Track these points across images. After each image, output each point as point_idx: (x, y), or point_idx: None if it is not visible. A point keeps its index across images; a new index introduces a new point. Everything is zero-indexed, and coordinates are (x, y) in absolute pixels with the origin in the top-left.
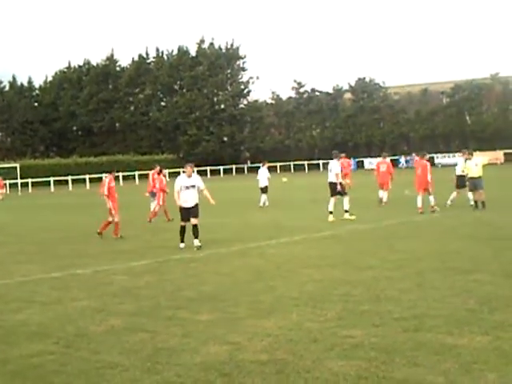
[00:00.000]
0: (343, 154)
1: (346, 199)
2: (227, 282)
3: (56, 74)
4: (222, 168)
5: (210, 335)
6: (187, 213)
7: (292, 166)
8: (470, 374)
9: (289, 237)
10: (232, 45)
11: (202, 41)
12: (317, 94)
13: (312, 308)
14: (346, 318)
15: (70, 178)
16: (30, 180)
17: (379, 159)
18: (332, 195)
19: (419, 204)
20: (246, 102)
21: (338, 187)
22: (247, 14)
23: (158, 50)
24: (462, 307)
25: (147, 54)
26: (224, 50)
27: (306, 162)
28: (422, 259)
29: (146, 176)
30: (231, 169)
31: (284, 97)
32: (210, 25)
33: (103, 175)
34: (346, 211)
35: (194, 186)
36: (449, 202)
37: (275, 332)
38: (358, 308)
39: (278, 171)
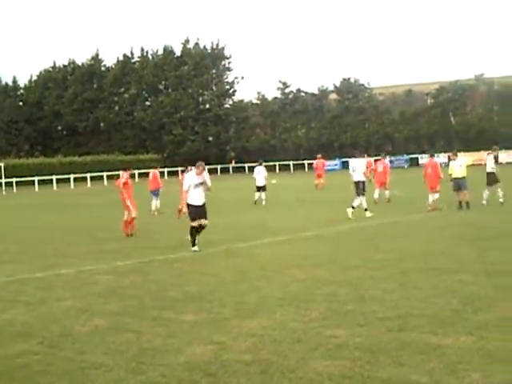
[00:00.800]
0: (319, 155)
1: (363, 198)
2: (212, 283)
3: (41, 73)
4: (206, 168)
5: (194, 335)
6: (199, 211)
7: (277, 166)
8: (455, 373)
9: (274, 237)
10: (217, 45)
11: (187, 41)
12: (302, 94)
13: (296, 308)
14: (331, 318)
15: (54, 177)
16: (14, 179)
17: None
18: (358, 194)
19: (430, 201)
20: (231, 102)
21: (361, 186)
22: (233, 14)
23: (142, 49)
24: (446, 307)
25: (132, 54)
26: (209, 50)
27: (291, 162)
28: (406, 259)
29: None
30: (216, 169)
31: (269, 97)
32: (196, 25)
33: (120, 172)
34: (366, 209)
35: (202, 184)
36: (484, 202)
37: (260, 332)
38: (343, 308)
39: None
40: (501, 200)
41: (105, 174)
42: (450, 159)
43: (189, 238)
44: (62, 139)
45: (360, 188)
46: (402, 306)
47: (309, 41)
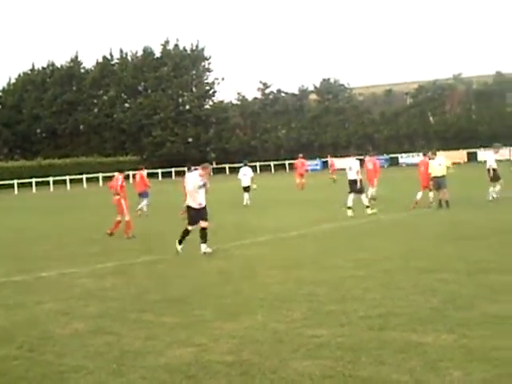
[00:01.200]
0: (300, 155)
1: (363, 196)
2: (193, 284)
3: (19, 76)
4: (187, 169)
5: (175, 337)
6: (197, 215)
7: (258, 167)
8: (436, 371)
9: (255, 238)
10: (197, 46)
11: (167, 42)
12: (282, 94)
13: (277, 309)
14: (312, 318)
15: (34, 180)
16: None
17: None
18: (351, 192)
19: (418, 197)
20: (211, 103)
21: (358, 184)
22: (212, 15)
23: (122, 51)
24: (427, 305)
25: (111, 56)
26: (189, 51)
27: (272, 163)
28: (387, 258)
29: (111, 178)
30: (196, 170)
31: (249, 98)
32: (175, 26)
33: (115, 173)
34: (367, 207)
35: (204, 185)
36: (494, 196)
37: (241, 333)
38: (324, 308)
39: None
40: (494, 196)
41: (84, 176)
42: (429, 158)
43: (205, 250)
44: (42, 142)
45: (356, 186)
46: (383, 304)
47: (289, 41)
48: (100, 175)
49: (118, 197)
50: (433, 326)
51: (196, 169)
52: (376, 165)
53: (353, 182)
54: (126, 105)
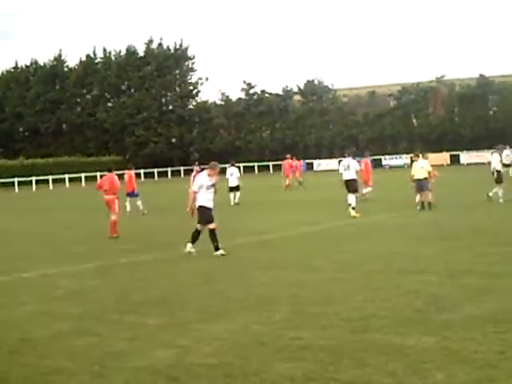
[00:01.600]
0: (288, 155)
1: (353, 196)
2: (175, 286)
3: (2, 73)
4: (170, 170)
5: (157, 339)
6: (210, 214)
7: (242, 168)
8: (418, 373)
9: (237, 239)
10: (181, 45)
11: (151, 41)
12: (266, 95)
13: (259, 311)
14: (294, 320)
15: (16, 179)
16: None
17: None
18: (350, 191)
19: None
20: (194, 103)
21: (356, 184)
22: (196, 15)
23: (105, 50)
24: (409, 307)
25: (95, 54)
26: (172, 51)
27: (256, 164)
28: (369, 260)
29: (94, 178)
30: (179, 170)
31: (234, 98)
32: (159, 25)
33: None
34: (353, 208)
35: (214, 186)
36: (501, 200)
37: (223, 335)
38: (306, 310)
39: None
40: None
41: (67, 176)
42: (412, 160)
43: (219, 252)
44: (24, 141)
45: (354, 185)
46: (365, 307)
47: (273, 42)
48: (82, 175)
49: (113, 196)
50: (415, 328)
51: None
52: (368, 165)
53: (351, 182)
54: (109, 104)
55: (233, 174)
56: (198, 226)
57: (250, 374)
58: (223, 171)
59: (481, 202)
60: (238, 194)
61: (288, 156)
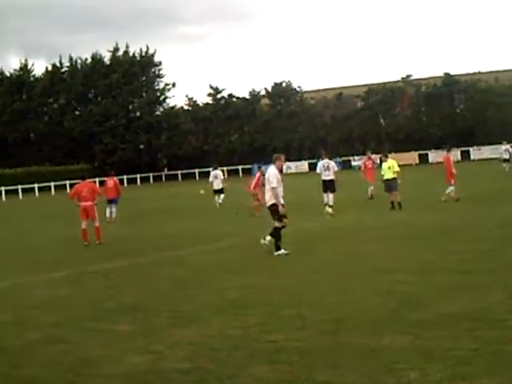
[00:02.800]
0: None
1: (332, 196)
2: (147, 292)
3: None
4: (138, 176)
5: (131, 345)
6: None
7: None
8: (392, 373)
9: (208, 244)
10: (147, 52)
11: (117, 48)
12: (234, 99)
13: (233, 315)
14: (268, 323)
15: None
16: None
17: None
18: (329, 191)
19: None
20: (162, 109)
21: (334, 184)
22: (161, 19)
23: (71, 58)
24: (383, 307)
25: (61, 63)
26: (139, 58)
27: (225, 168)
28: (342, 261)
29: (63, 187)
30: (148, 177)
31: (201, 103)
32: (125, 32)
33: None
34: (331, 206)
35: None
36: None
37: (197, 340)
38: (280, 312)
39: (197, 178)
40: None
41: (36, 185)
42: (381, 161)
43: (265, 242)
44: None
45: (331, 186)
46: (339, 308)
47: (239, 45)
48: (52, 184)
49: (92, 203)
50: (389, 328)
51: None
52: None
53: (329, 182)
54: (77, 112)
55: (217, 177)
56: (277, 223)
57: (224, 378)
58: (184, 177)
59: (450, 200)
60: (221, 196)
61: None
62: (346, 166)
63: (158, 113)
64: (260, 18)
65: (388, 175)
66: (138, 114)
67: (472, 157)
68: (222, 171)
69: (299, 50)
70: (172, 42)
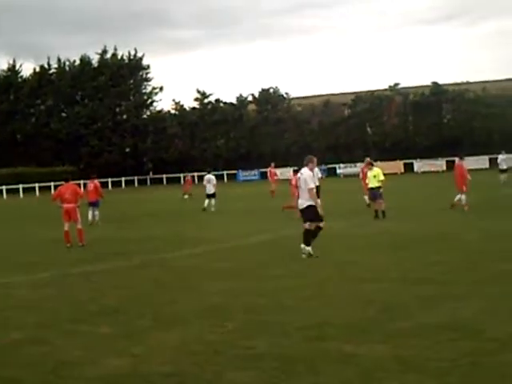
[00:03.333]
0: (272, 164)
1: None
2: (129, 295)
3: None
4: (123, 179)
5: (112, 348)
6: (318, 212)
7: (197, 177)
8: (371, 382)
9: (191, 248)
10: (135, 55)
11: (105, 51)
12: (221, 104)
13: (214, 319)
14: (249, 329)
15: None
16: None
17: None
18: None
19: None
20: (148, 113)
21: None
22: (148, 23)
23: (59, 60)
24: (363, 315)
25: (49, 65)
26: (127, 61)
27: (225, 172)
28: (323, 268)
29: (48, 188)
30: (133, 180)
31: (188, 107)
32: (114, 34)
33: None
34: None
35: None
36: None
37: (177, 344)
38: (261, 318)
39: (182, 182)
40: None
41: (21, 186)
42: (368, 169)
43: (307, 248)
44: None
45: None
46: (319, 315)
47: (227, 50)
48: (37, 185)
49: (74, 205)
50: (368, 336)
51: (209, 172)
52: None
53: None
54: (64, 114)
55: (210, 182)
56: (312, 225)
57: (204, 382)
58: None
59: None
60: (213, 201)
61: (272, 164)
62: (331, 173)
63: (144, 116)
64: (249, 23)
65: (373, 184)
66: (124, 116)
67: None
68: (215, 176)
69: (287, 57)
70: (160, 45)
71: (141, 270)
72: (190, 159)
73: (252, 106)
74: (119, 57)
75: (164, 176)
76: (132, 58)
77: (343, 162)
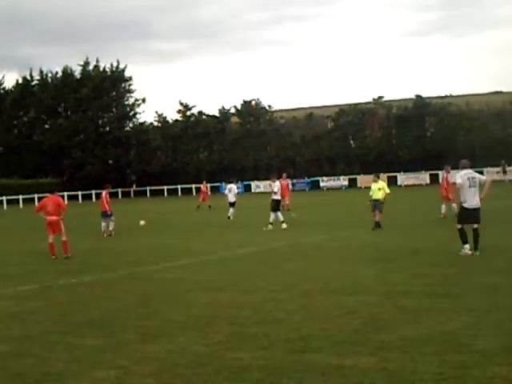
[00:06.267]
0: (284, 174)
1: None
2: (114, 307)
3: None
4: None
5: (97, 360)
6: (470, 215)
7: (179, 190)
8: None
9: (176, 261)
10: (117, 67)
11: (87, 63)
12: (204, 117)
13: (199, 331)
14: (234, 341)
15: None
16: None
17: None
18: (275, 210)
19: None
20: (131, 125)
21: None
22: (132, 35)
23: (42, 72)
24: (348, 328)
25: (31, 77)
26: (109, 72)
27: (193, 186)
28: (308, 281)
29: (31, 200)
30: (117, 192)
31: (171, 119)
32: (95, 47)
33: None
34: (283, 221)
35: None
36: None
37: (162, 356)
38: (246, 330)
39: (166, 195)
40: None
41: (4, 198)
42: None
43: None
44: None
45: (277, 205)
46: (304, 327)
47: (210, 63)
48: (20, 197)
49: (57, 217)
50: (354, 349)
51: (231, 181)
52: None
53: (278, 201)
54: (46, 126)
55: (231, 191)
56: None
57: None
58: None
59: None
60: (231, 210)
61: (284, 175)
62: (314, 186)
63: (127, 128)
64: (232, 36)
65: (377, 195)
66: (107, 128)
67: (440, 180)
68: (168, 191)
69: (271, 69)
70: (144, 56)
71: (126, 282)
72: (173, 172)
73: (235, 119)
74: (101, 68)
75: (148, 188)
76: (114, 69)
77: (326, 175)
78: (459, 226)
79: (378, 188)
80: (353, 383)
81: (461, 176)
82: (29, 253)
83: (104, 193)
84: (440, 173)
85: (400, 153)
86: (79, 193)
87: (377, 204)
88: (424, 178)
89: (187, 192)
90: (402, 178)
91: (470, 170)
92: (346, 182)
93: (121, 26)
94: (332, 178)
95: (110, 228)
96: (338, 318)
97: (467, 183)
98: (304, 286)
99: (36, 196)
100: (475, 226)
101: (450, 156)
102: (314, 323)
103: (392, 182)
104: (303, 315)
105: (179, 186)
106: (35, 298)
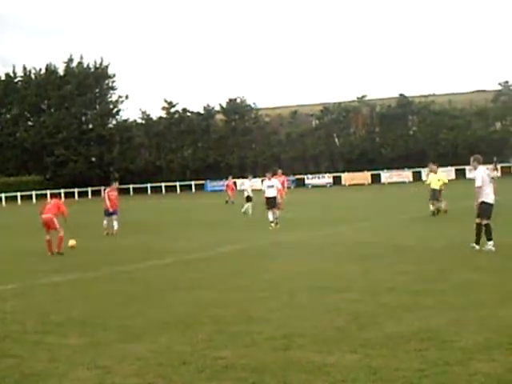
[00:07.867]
0: (280, 171)
1: (277, 212)
2: (96, 307)
3: None
4: (90, 189)
5: (78, 360)
6: (490, 210)
7: (163, 187)
8: None
9: (158, 259)
10: (101, 64)
11: (71, 59)
12: (188, 114)
13: (182, 331)
14: (217, 340)
15: None
16: None
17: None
18: (269, 208)
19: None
20: (114, 122)
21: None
22: (116, 32)
23: (25, 68)
24: (331, 325)
25: (14, 73)
26: (93, 69)
27: (177, 183)
28: (292, 279)
29: (14, 198)
30: (100, 190)
31: (154, 117)
32: (79, 43)
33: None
34: (276, 223)
35: (493, 178)
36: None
37: (145, 355)
38: (229, 329)
39: (149, 192)
40: None
41: None
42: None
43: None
44: None
45: (273, 203)
46: (287, 325)
47: (195, 59)
48: (3, 195)
49: (50, 215)
50: (337, 346)
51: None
52: None
53: (272, 199)
54: (29, 123)
55: (248, 186)
56: (477, 220)
57: None
58: (136, 191)
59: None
60: (246, 204)
61: (280, 172)
62: (299, 184)
63: (110, 125)
64: (216, 32)
65: (435, 185)
66: (90, 126)
67: (424, 177)
68: (157, 188)
69: (255, 67)
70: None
71: (108, 281)
72: (157, 169)
73: (220, 116)
74: (85, 65)
75: (131, 186)
76: (98, 66)
77: (311, 173)
78: (485, 222)
79: (438, 179)
80: (336, 380)
81: (481, 174)
82: (10, 251)
83: (108, 190)
84: (423, 170)
85: (383, 151)
86: (62, 191)
87: (435, 192)
88: (407, 175)
89: (171, 190)
90: (386, 176)
91: (484, 166)
92: (331, 180)
93: (102, 23)
94: (317, 175)
95: (115, 228)
96: (321, 316)
97: (487, 179)
98: (288, 283)
99: (19, 194)
100: (487, 221)
101: (433, 154)
102: (298, 321)
103: (376, 179)
104: (287, 313)
105: (163, 184)
106: (16, 297)
